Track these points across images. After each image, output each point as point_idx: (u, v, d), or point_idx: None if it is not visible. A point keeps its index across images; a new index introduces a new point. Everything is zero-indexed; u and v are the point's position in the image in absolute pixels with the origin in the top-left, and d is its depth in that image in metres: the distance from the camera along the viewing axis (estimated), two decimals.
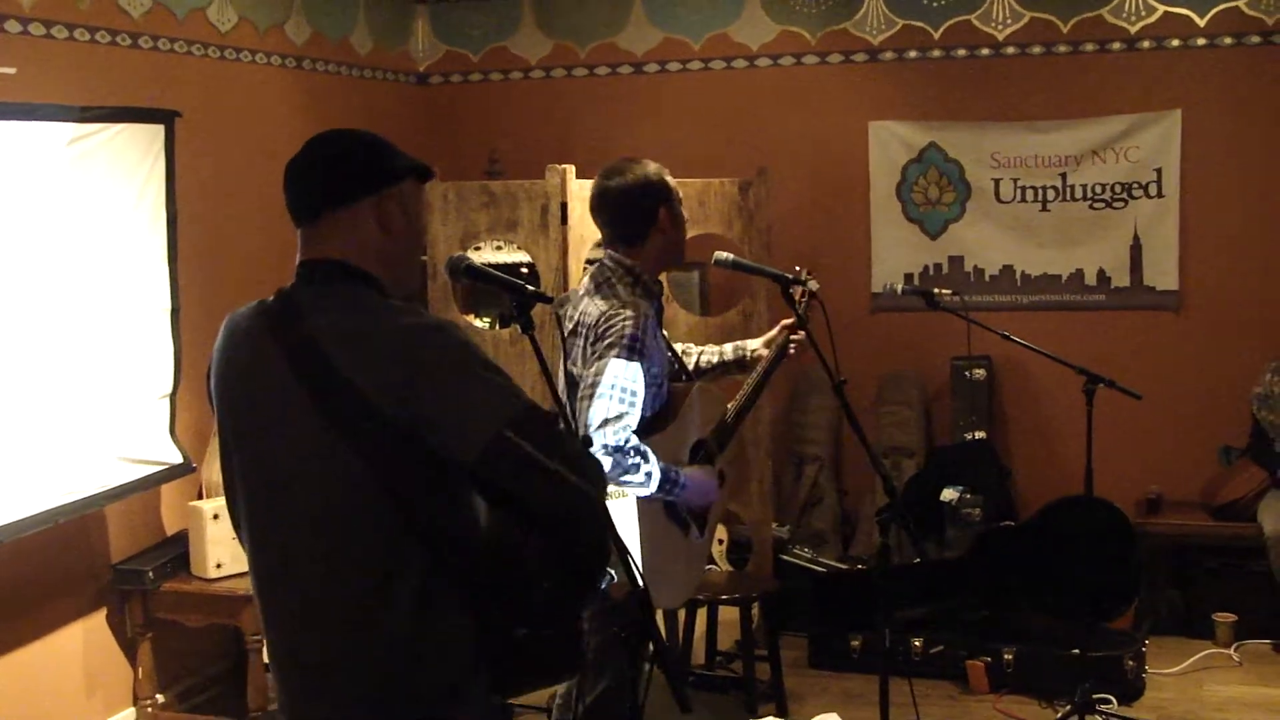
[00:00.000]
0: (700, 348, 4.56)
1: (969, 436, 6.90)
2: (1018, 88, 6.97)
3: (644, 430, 3.79)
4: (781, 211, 6.53)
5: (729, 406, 4.31)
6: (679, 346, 4.52)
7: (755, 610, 5.71)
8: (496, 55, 7.71)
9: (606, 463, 3.58)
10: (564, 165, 5.85)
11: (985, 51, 6.99)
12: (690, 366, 4.47)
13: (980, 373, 6.90)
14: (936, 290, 5.27)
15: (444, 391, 2.38)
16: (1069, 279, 7.00)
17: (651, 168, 3.98)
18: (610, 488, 3.63)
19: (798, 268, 4.32)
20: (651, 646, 2.75)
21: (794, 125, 7.25)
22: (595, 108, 7.50)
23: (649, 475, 3.69)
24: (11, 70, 4.87)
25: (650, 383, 3.80)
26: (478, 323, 6.18)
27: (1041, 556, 6.04)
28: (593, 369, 3.71)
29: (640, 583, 2.70)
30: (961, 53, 7.02)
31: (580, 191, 5.69)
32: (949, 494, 6.60)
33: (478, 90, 7.76)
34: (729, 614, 5.84)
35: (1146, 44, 6.76)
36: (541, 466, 2.37)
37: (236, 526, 2.64)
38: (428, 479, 2.41)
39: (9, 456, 4.61)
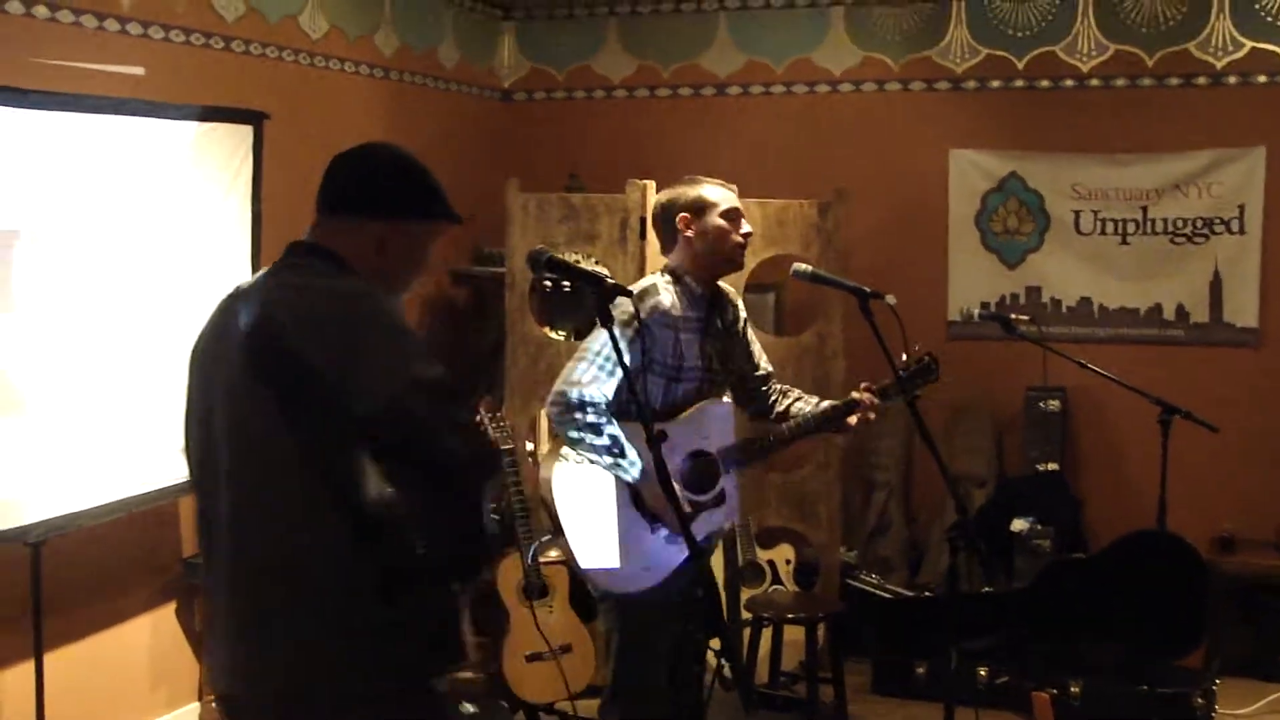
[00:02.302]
0: (801, 394, 4.50)
1: (1041, 468, 6.85)
2: (1100, 120, 6.93)
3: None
4: (859, 236, 6.54)
5: (770, 433, 4.34)
6: (782, 386, 4.52)
7: (821, 632, 5.70)
8: (581, 74, 7.77)
9: (570, 418, 3.86)
10: (645, 180, 5.89)
11: (1069, 83, 6.96)
12: (782, 406, 4.45)
13: (1055, 404, 6.86)
14: (1014, 316, 5.25)
15: (361, 349, 2.52)
16: (1147, 313, 6.94)
17: (686, 190, 4.23)
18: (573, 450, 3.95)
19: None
20: (719, 642, 2.77)
21: (874, 151, 7.25)
22: (677, 128, 7.53)
23: (612, 439, 3.89)
24: (140, 70, 5.11)
25: (656, 372, 4.03)
26: (553, 335, 6.21)
27: (1111, 590, 5.98)
28: (589, 335, 3.97)
29: (702, 580, 2.71)
30: (1045, 83, 7.00)
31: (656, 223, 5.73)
32: (1019, 524, 6.55)
33: (561, 108, 7.83)
34: (794, 635, 5.83)
35: (1232, 79, 6.71)
36: (431, 429, 2.51)
37: (198, 495, 2.77)
38: (343, 435, 2.51)
39: (88, 444, 4.69)
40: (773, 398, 4.47)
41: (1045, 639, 6.10)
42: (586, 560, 3.96)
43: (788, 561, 6.46)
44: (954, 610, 5.40)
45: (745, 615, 5.76)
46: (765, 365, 4.47)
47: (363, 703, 2.57)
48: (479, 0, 7.49)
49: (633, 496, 4.02)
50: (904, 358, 4.30)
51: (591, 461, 3.96)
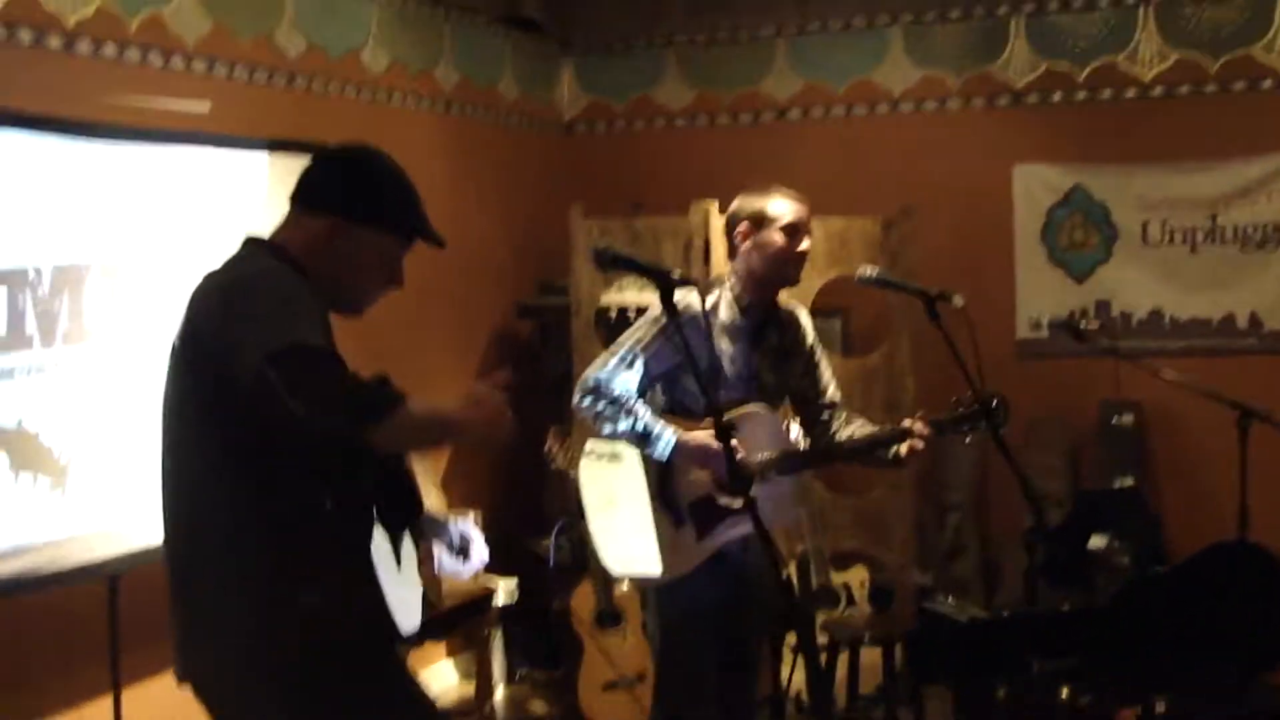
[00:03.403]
0: (865, 422, 4.36)
1: (1117, 484, 6.76)
2: (1165, 128, 6.88)
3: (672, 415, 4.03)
4: (924, 255, 6.48)
5: (812, 447, 4.29)
6: (848, 415, 4.38)
7: (899, 653, 5.64)
8: (641, 105, 7.80)
9: (592, 400, 3.94)
10: (708, 202, 5.88)
11: (1131, 93, 6.92)
12: (843, 435, 4.30)
13: (1129, 419, 6.78)
14: (1083, 323, 5.20)
15: (242, 320, 2.52)
16: (1220, 323, 6.85)
17: (754, 200, 4.25)
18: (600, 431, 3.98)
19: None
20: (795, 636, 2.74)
21: (937, 169, 7.20)
22: (738, 155, 7.51)
23: (637, 418, 3.93)
24: (205, 105, 5.22)
25: (686, 370, 3.95)
26: None
27: (1193, 604, 5.87)
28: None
29: (782, 575, 2.69)
30: (1107, 94, 6.96)
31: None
32: (1097, 541, 6.45)
33: (621, 139, 7.86)
34: (871, 660, 5.78)
35: None
36: (283, 401, 2.44)
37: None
38: (239, 407, 2.52)
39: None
40: (835, 426, 4.33)
41: (1128, 657, 6.00)
42: (611, 559, 3.99)
43: (862, 584, 6.40)
44: (1032, 626, 5.33)
45: (821, 639, 5.71)
46: (833, 394, 4.35)
47: (307, 689, 2.58)
48: (538, 34, 7.55)
49: (660, 491, 4.01)
50: (966, 395, 4.05)
51: (623, 439, 3.99)
